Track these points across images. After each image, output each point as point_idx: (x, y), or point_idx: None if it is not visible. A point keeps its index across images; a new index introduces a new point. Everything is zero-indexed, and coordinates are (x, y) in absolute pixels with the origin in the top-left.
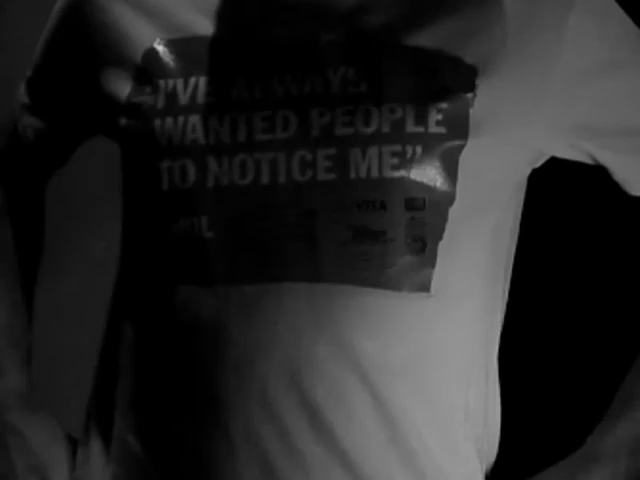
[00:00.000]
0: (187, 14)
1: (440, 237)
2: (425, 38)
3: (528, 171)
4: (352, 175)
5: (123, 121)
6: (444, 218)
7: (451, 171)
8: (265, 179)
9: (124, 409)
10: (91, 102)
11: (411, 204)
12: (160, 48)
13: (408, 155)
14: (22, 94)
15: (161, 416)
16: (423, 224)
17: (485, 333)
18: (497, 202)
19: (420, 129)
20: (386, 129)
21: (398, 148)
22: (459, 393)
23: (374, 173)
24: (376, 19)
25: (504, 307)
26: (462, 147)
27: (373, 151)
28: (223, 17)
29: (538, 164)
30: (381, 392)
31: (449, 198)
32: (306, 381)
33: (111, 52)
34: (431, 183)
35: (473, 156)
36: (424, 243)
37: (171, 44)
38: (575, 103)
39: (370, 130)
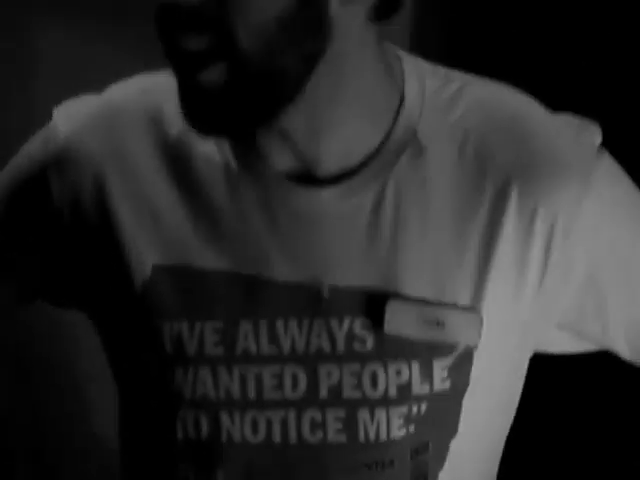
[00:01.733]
0: (189, 241)
1: (441, 467)
2: (428, 287)
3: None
4: (361, 437)
5: (130, 359)
6: (447, 449)
7: (455, 414)
8: (277, 437)
9: None
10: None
11: (416, 453)
12: (161, 279)
13: (413, 412)
14: None
15: None
16: (425, 464)
17: None
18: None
19: (425, 390)
20: (393, 392)
21: (405, 410)
22: None
23: (382, 436)
24: (375, 267)
25: None
26: (465, 391)
27: (381, 414)
28: (227, 250)
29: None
30: None
31: (452, 434)
32: None
33: (108, 265)
34: (435, 428)
35: (477, 397)
36: (425, 477)
37: (173, 275)
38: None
39: (377, 394)
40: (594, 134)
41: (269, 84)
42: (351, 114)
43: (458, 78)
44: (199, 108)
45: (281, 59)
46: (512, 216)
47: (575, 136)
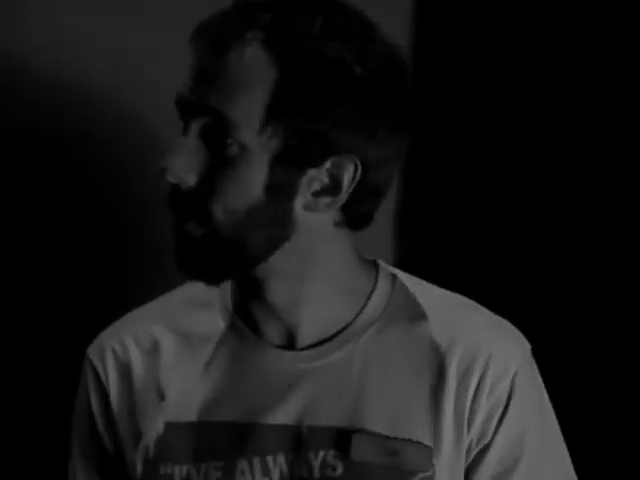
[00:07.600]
0: (195, 402)
1: None
2: (385, 426)
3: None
4: None
5: None
6: None
7: None
8: None
9: None
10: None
11: None
12: (171, 435)
13: None
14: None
15: None
16: None
17: None
18: None
19: None
20: None
21: None
22: None
23: None
24: (343, 410)
25: None
26: None
27: None
28: (226, 406)
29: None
30: None
31: None
32: None
33: (125, 424)
34: None
35: None
36: None
37: (180, 430)
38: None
39: None
40: (523, 342)
41: (233, 250)
42: (324, 292)
43: (423, 283)
44: (184, 253)
45: (245, 236)
46: (451, 383)
47: (509, 336)
